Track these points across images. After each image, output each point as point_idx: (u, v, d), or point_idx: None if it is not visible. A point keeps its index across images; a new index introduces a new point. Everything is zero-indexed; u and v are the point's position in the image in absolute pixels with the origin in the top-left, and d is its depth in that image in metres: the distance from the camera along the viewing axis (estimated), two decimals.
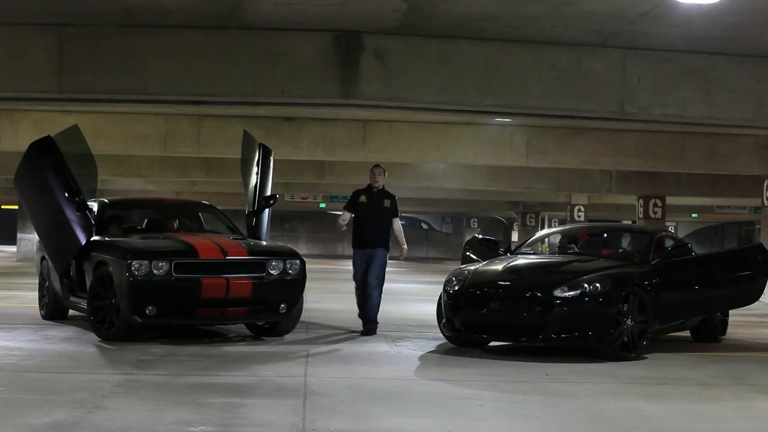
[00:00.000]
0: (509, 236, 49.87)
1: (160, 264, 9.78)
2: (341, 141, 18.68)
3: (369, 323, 11.13)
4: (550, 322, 9.38)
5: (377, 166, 11.58)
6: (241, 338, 10.62)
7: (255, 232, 11.56)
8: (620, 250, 11.78)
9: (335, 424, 6.26)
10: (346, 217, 11.45)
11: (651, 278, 10.03)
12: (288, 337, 10.64)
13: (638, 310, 9.60)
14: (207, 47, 10.55)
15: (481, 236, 12.87)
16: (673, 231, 34.83)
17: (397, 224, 11.40)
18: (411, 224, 52.27)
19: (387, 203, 11.32)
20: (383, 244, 11.21)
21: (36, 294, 12.64)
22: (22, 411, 6.39)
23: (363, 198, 11.37)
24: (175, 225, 11.83)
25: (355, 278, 11.26)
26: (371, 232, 11.20)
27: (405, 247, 11.56)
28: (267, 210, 11.77)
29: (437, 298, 10.37)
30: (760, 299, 11.37)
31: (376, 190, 11.39)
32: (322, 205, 37.90)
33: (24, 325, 11.34)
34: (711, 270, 11.00)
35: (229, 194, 30.15)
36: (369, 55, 10.53)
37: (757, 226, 43.97)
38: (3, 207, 42.71)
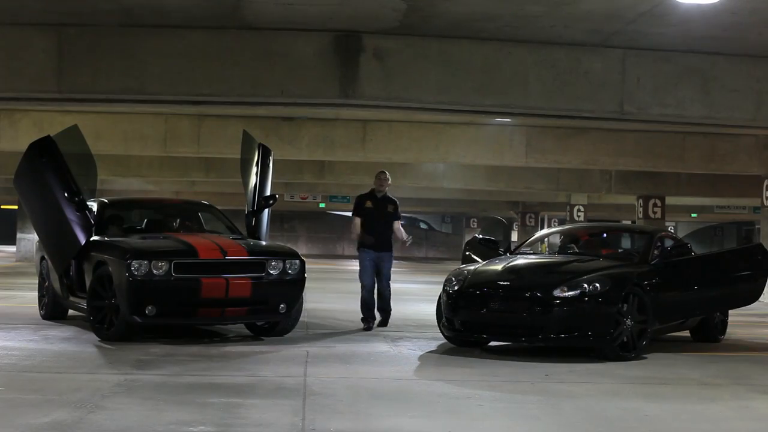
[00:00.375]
0: (509, 236, 49.92)
1: (160, 264, 9.78)
2: (341, 141, 18.69)
3: (384, 314, 11.95)
4: (549, 322, 9.38)
5: (382, 172, 12.17)
6: (241, 338, 10.62)
7: (254, 232, 11.57)
8: (620, 250, 11.79)
9: (335, 424, 6.26)
10: (357, 224, 11.93)
11: (651, 278, 10.03)
12: (288, 337, 10.64)
13: (638, 310, 9.60)
14: (207, 47, 10.55)
15: (480, 236, 12.91)
16: (672, 231, 34.82)
17: (398, 225, 12.09)
18: (411, 224, 52.28)
19: (390, 208, 12.03)
20: (389, 247, 11.98)
21: (36, 294, 12.64)
22: (22, 411, 6.39)
23: (369, 204, 12.00)
24: (176, 225, 11.83)
25: (363, 280, 11.83)
26: (377, 235, 11.86)
27: (405, 237, 12.17)
28: (266, 210, 11.78)
29: (437, 298, 10.38)
30: (760, 299, 11.37)
31: (381, 195, 12.03)
32: (322, 205, 37.91)
33: (24, 325, 11.34)
34: (711, 270, 10.98)
35: (228, 194, 30.15)
36: (369, 55, 10.53)
37: (756, 226, 43.98)
38: (3, 207, 42.71)
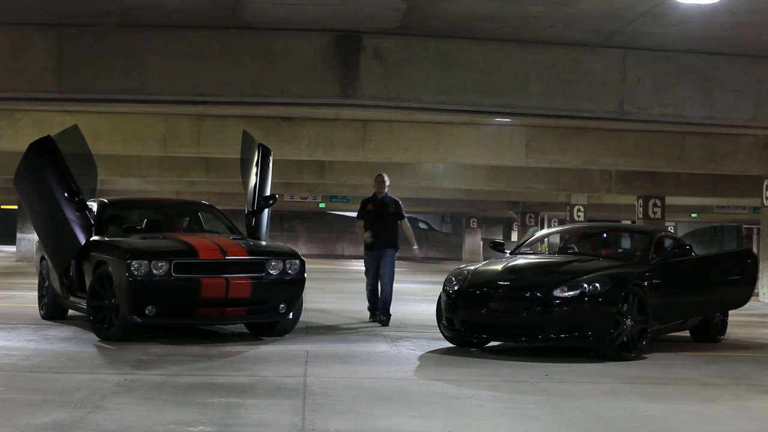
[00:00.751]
0: (509, 236, 49.97)
1: (160, 264, 9.78)
2: (341, 141, 18.70)
3: (383, 316, 12.27)
4: (549, 322, 9.37)
5: (380, 175, 12.70)
6: (241, 338, 10.62)
7: (254, 232, 11.57)
8: (620, 250, 11.78)
9: (335, 424, 6.26)
10: (360, 225, 12.57)
11: (651, 278, 10.03)
12: (288, 337, 10.64)
13: (638, 310, 9.60)
14: (207, 47, 10.56)
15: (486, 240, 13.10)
16: (672, 231, 34.79)
17: (405, 224, 12.63)
18: (411, 224, 52.20)
19: (392, 208, 12.53)
20: (391, 244, 12.46)
21: (36, 294, 12.64)
22: (22, 411, 6.39)
23: (370, 206, 12.61)
24: (176, 225, 11.82)
25: (367, 275, 12.54)
26: (379, 235, 12.38)
27: (415, 247, 12.78)
28: (266, 210, 11.78)
29: (437, 298, 10.38)
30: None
31: (381, 197, 12.58)
32: (322, 205, 37.87)
33: (24, 325, 11.34)
34: (707, 271, 11.07)
35: (228, 194, 30.17)
36: (369, 55, 10.54)
37: (751, 227, 43.95)
38: (3, 207, 42.72)
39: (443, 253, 50.67)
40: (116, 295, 9.89)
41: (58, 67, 10.48)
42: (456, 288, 9.91)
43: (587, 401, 7.30)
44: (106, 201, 11.95)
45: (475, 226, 47.27)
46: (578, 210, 30.26)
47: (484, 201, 35.69)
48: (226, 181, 24.88)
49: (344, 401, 7.02)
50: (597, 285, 9.44)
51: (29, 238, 30.41)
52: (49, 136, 11.16)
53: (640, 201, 24.48)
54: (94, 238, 10.92)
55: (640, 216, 24.52)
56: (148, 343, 9.84)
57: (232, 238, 11.07)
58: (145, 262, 9.74)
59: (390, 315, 12.34)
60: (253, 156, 11.81)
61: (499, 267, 10.18)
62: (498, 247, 11.49)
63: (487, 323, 9.73)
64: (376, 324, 12.29)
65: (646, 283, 9.88)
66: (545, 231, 14.12)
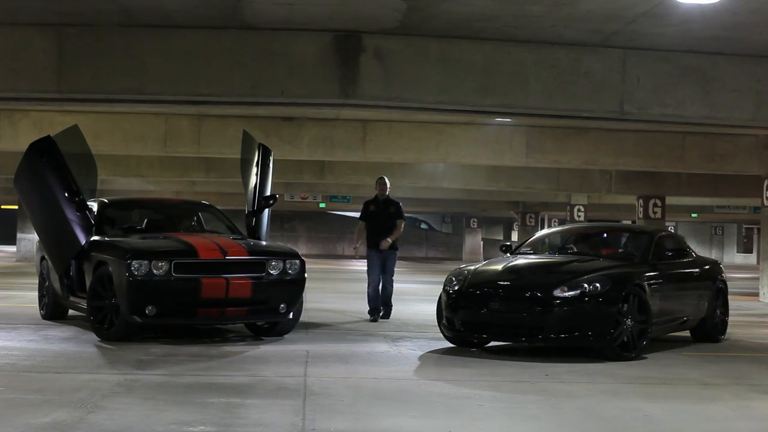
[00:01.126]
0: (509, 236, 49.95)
1: (160, 264, 9.78)
2: (341, 141, 18.70)
3: (385, 308, 12.89)
4: (550, 322, 9.37)
5: (381, 177, 13.19)
6: (241, 338, 10.62)
7: (255, 232, 11.57)
8: (620, 250, 11.77)
9: (335, 424, 6.26)
10: (361, 227, 13.07)
11: (651, 278, 10.03)
12: (288, 337, 10.64)
13: (638, 310, 9.60)
14: (207, 47, 10.56)
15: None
16: (672, 231, 34.75)
17: (399, 224, 13.00)
18: (411, 224, 52.25)
19: (392, 209, 13.06)
20: (393, 245, 12.88)
21: (36, 294, 12.64)
22: (22, 411, 6.39)
23: (372, 207, 13.09)
24: (176, 225, 11.81)
25: (369, 277, 12.93)
26: (382, 235, 12.83)
27: (389, 240, 12.83)
28: (267, 210, 11.79)
29: (437, 298, 10.37)
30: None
31: (382, 199, 13.05)
32: (322, 205, 37.89)
33: (24, 325, 11.35)
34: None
35: (229, 194, 30.17)
36: (369, 55, 10.54)
37: (751, 226, 43.91)
38: (3, 207, 42.73)
39: (443, 253, 50.68)
40: (116, 295, 9.89)
41: (58, 67, 10.49)
42: (456, 288, 9.91)
43: (587, 401, 7.30)
44: (106, 201, 11.94)
45: (476, 226, 47.27)
46: (578, 210, 30.27)
47: (484, 201, 35.70)
48: (227, 181, 24.88)
49: (344, 401, 7.03)
50: (597, 285, 9.43)
51: (29, 238, 30.42)
52: (49, 136, 11.16)
53: (641, 201, 24.48)
54: (95, 238, 10.92)
55: (640, 216, 24.52)
56: (148, 343, 9.85)
57: (233, 238, 11.07)
58: (146, 262, 9.75)
59: (391, 306, 12.94)
60: (253, 156, 11.81)
61: (499, 267, 10.18)
62: (508, 251, 11.52)
63: (487, 323, 9.72)
64: (376, 324, 12.33)
65: (646, 283, 9.88)
66: (546, 231, 14.11)
